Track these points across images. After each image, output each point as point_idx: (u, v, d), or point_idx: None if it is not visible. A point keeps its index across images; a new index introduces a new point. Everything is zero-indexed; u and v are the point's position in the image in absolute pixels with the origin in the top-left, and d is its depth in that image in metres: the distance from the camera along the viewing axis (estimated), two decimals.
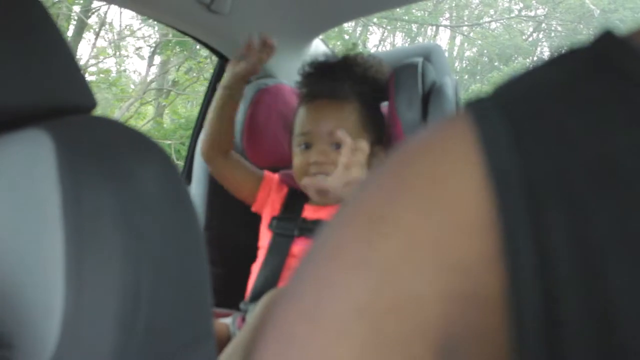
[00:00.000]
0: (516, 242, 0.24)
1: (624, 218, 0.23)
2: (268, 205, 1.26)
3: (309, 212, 1.22)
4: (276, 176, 1.29)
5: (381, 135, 1.22)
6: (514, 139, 0.25)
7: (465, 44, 8.42)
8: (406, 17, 7.58)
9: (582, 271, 0.23)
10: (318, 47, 1.57)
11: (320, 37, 1.57)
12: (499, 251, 0.24)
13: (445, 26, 8.06)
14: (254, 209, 1.29)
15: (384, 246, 0.25)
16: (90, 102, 0.55)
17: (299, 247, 1.18)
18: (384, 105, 1.39)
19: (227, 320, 1.16)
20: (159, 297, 0.48)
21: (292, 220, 1.21)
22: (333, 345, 0.23)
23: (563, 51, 0.29)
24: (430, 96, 1.30)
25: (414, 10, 7.40)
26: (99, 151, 0.49)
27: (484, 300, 0.24)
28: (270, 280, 1.16)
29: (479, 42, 7.98)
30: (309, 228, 1.18)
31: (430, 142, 0.28)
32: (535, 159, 0.25)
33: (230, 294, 1.25)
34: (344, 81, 1.19)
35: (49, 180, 0.45)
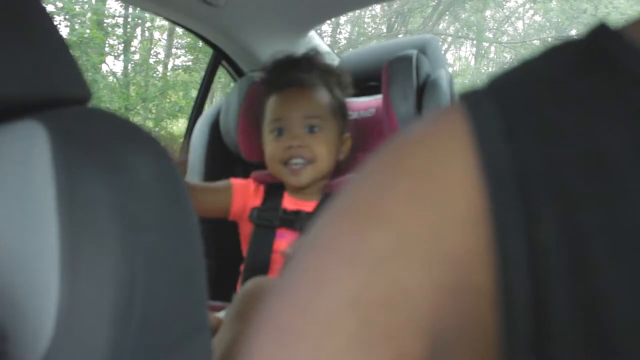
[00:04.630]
0: (507, 233, 0.24)
1: (613, 212, 0.23)
2: (248, 207, 1.26)
3: (289, 203, 1.23)
4: (249, 180, 1.29)
5: (347, 124, 1.28)
6: (507, 132, 0.25)
7: (498, 50, 9.60)
8: (473, 36, 9.04)
9: (571, 263, 0.23)
10: (313, 40, 1.56)
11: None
12: (490, 243, 0.24)
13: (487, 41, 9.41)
14: (231, 218, 1.27)
15: (376, 239, 0.25)
16: (86, 94, 0.55)
17: (281, 238, 1.19)
18: (377, 98, 1.40)
19: (221, 314, 1.17)
20: (154, 289, 0.48)
21: (273, 210, 1.21)
22: (325, 338, 0.23)
23: (558, 43, 0.29)
24: (424, 89, 1.30)
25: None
26: (94, 143, 0.49)
27: (474, 292, 0.24)
28: (258, 273, 1.16)
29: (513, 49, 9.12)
30: (290, 219, 1.19)
31: (423, 134, 0.28)
32: (527, 152, 0.25)
33: (223, 286, 1.25)
34: (310, 71, 1.24)
35: (44, 172, 0.45)
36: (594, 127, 0.25)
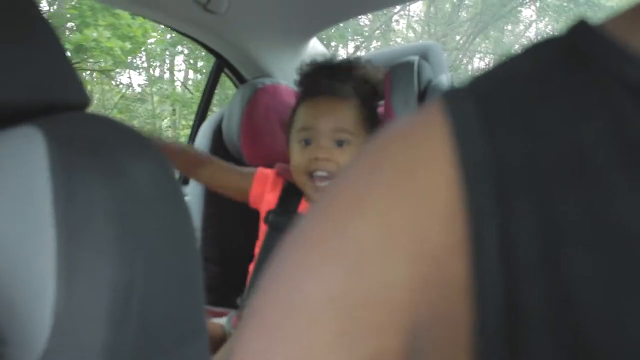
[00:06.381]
0: (481, 228, 0.24)
1: (588, 207, 0.23)
2: (264, 200, 1.26)
3: (306, 209, 1.21)
4: (272, 171, 1.29)
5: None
6: (486, 128, 0.26)
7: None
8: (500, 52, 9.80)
9: (544, 258, 0.23)
10: (315, 47, 1.57)
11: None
12: (466, 237, 0.24)
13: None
14: (251, 205, 1.28)
15: (358, 234, 0.25)
16: (84, 99, 0.56)
17: None
18: (379, 103, 1.40)
19: (222, 320, 1.17)
20: (151, 292, 0.48)
21: (288, 214, 1.20)
22: (307, 333, 0.24)
23: (538, 41, 0.30)
24: (426, 94, 1.30)
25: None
26: (92, 148, 0.49)
27: (453, 288, 0.24)
28: None
29: None
30: None
31: (404, 131, 0.28)
32: (505, 148, 0.25)
33: (226, 292, 1.25)
34: (345, 81, 1.19)
35: (41, 177, 0.45)
36: (573, 123, 0.25)
